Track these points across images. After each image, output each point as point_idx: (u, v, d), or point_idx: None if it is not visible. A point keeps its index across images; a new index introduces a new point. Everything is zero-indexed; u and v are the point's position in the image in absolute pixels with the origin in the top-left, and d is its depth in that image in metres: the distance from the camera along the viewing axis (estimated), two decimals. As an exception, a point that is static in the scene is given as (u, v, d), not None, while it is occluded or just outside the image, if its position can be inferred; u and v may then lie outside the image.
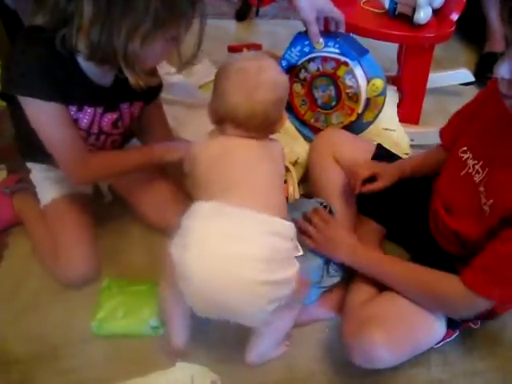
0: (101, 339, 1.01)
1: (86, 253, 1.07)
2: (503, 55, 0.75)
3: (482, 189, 0.87)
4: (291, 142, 1.32)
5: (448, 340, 0.97)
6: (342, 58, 1.21)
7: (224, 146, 0.88)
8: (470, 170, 0.91)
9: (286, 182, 1.14)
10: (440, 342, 0.95)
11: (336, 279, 1.04)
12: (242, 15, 2.05)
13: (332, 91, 1.27)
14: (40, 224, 1.13)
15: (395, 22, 1.36)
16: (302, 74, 1.28)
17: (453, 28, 1.34)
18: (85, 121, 1.00)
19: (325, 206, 1.09)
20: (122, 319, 1.01)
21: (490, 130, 0.89)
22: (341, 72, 1.23)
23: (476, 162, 0.90)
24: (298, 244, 0.89)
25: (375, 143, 1.22)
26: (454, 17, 1.33)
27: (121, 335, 1.01)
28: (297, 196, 1.15)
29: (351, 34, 1.32)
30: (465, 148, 0.94)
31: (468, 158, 0.92)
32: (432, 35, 1.34)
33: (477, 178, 0.89)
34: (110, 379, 0.94)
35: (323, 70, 1.24)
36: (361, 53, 1.23)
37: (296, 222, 0.98)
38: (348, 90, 1.24)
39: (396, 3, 1.34)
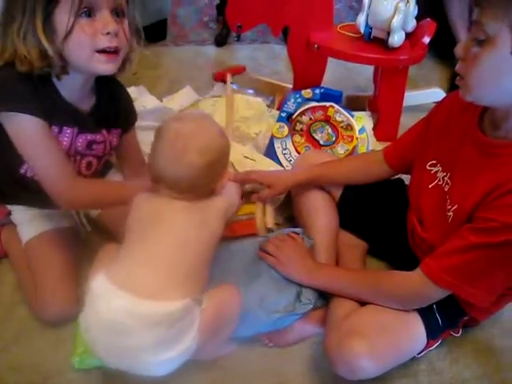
0: (91, 368, 1.00)
1: (63, 295, 1.03)
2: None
3: (447, 197, 0.91)
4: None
5: (430, 349, 1.00)
6: (327, 104, 1.50)
7: (152, 208, 0.88)
8: (440, 182, 0.95)
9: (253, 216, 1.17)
10: (422, 351, 0.98)
11: (308, 307, 1.04)
12: (221, 41, 2.10)
13: (329, 129, 1.47)
14: (23, 260, 1.11)
15: (371, 45, 1.42)
16: (298, 126, 1.48)
17: (425, 50, 1.40)
18: (64, 143, 0.99)
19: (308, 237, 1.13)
20: None
21: (454, 142, 0.93)
22: (330, 113, 1.49)
23: (445, 174, 0.94)
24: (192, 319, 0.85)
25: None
26: (426, 40, 1.39)
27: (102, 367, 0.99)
28: (270, 225, 1.18)
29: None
30: (434, 161, 0.97)
31: (438, 171, 0.96)
32: (406, 57, 1.40)
33: (446, 188, 0.93)
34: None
35: (315, 118, 1.49)
36: (339, 96, 1.56)
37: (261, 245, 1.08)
38: (341, 124, 1.49)
39: (371, 28, 1.40)
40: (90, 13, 0.85)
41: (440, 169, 0.97)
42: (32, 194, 1.01)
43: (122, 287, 0.80)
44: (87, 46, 0.87)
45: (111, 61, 0.90)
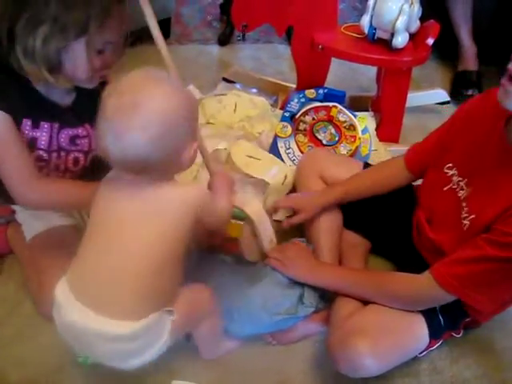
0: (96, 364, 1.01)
1: None
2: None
3: (464, 204, 0.92)
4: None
5: (432, 349, 1.01)
6: (330, 104, 1.50)
7: (106, 198, 0.80)
8: (455, 187, 0.95)
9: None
10: (424, 351, 0.99)
11: (310, 310, 1.05)
12: (224, 40, 2.10)
13: (331, 129, 1.47)
14: (27, 257, 1.12)
15: (374, 46, 1.42)
16: (302, 126, 1.48)
17: (429, 51, 1.41)
18: (43, 138, 0.99)
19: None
20: None
21: (476, 148, 0.93)
22: (333, 113, 1.49)
23: (461, 179, 0.94)
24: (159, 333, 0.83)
25: (361, 162, 1.27)
26: (430, 41, 1.39)
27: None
28: (272, 245, 1.12)
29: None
30: (450, 165, 0.97)
31: (453, 174, 0.96)
32: (409, 59, 1.40)
33: (461, 195, 0.93)
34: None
35: (318, 118, 1.49)
36: (342, 96, 1.55)
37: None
38: (344, 124, 1.49)
39: (375, 29, 1.40)
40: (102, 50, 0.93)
41: (456, 173, 0.97)
42: None
43: (79, 298, 0.79)
44: (89, 71, 0.94)
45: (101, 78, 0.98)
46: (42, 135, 0.99)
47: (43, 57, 0.88)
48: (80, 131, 1.04)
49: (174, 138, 0.74)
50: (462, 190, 0.93)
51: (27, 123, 0.96)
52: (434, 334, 0.97)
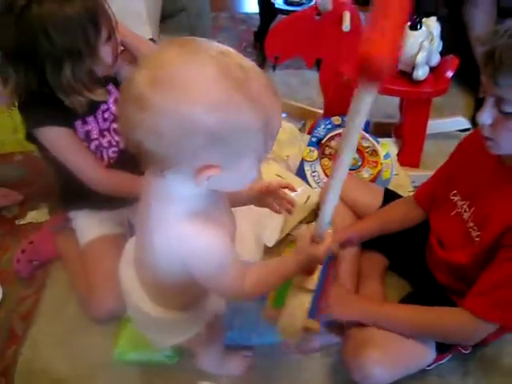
0: (132, 362, 1.13)
1: (115, 292, 1.04)
2: (482, 104, 0.87)
3: (471, 224, 1.00)
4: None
5: (440, 363, 1.08)
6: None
7: (142, 198, 0.74)
8: (459, 210, 1.04)
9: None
10: (432, 364, 1.06)
11: None
12: (258, 66, 2.23)
13: (355, 155, 1.53)
14: (78, 263, 1.25)
15: (397, 78, 1.51)
16: (327, 151, 1.58)
17: (448, 84, 1.49)
18: (94, 129, 1.15)
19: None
20: (140, 348, 1.11)
21: (475, 172, 1.01)
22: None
23: (464, 202, 1.03)
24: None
25: (382, 187, 1.36)
26: (449, 74, 1.48)
27: (141, 361, 1.12)
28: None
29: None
30: (455, 191, 1.06)
31: (458, 200, 1.05)
32: (429, 90, 1.49)
33: (465, 216, 1.02)
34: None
35: (343, 144, 1.55)
36: (366, 123, 1.61)
37: None
38: (367, 150, 1.58)
39: (397, 62, 1.50)
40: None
41: (460, 198, 1.06)
42: (96, 196, 1.15)
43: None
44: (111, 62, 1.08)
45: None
46: (92, 127, 1.15)
47: (81, 84, 1.02)
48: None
49: (199, 139, 0.56)
50: (466, 212, 1.02)
51: (78, 124, 1.13)
52: (442, 349, 1.04)
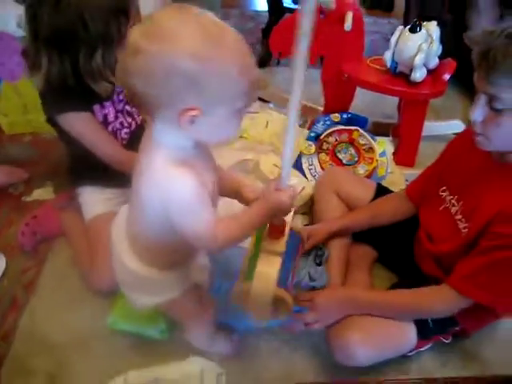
0: (125, 333, 1.18)
1: None
2: (474, 101, 0.90)
3: (459, 217, 1.05)
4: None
5: (421, 349, 1.13)
6: (353, 127, 1.65)
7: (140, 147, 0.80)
8: (447, 205, 1.09)
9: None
10: (413, 350, 1.11)
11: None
12: (263, 62, 2.29)
13: (352, 151, 1.64)
14: (81, 239, 1.32)
15: (395, 79, 1.57)
16: (325, 146, 1.65)
17: (445, 86, 1.54)
18: (110, 111, 1.23)
19: (320, 248, 1.27)
20: (135, 319, 1.16)
21: (463, 168, 1.07)
22: (355, 136, 1.65)
23: (452, 196, 1.08)
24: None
25: (375, 182, 1.42)
26: (446, 77, 1.53)
27: (132, 333, 1.17)
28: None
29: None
30: (444, 188, 1.12)
31: (446, 195, 1.10)
32: (426, 92, 1.54)
33: (453, 210, 1.07)
34: (132, 367, 1.10)
35: (340, 140, 1.66)
36: (364, 121, 1.70)
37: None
38: (364, 147, 1.64)
39: (396, 63, 1.55)
40: None
41: (448, 193, 1.11)
42: (109, 173, 1.22)
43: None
44: None
45: None
46: (109, 110, 1.23)
47: (109, 70, 1.09)
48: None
49: (181, 83, 0.64)
50: (454, 206, 1.07)
51: (97, 108, 1.20)
52: (423, 334, 1.09)
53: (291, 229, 0.95)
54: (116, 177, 1.19)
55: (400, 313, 1.08)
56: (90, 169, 1.24)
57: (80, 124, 1.17)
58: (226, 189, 0.95)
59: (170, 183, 0.72)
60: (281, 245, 0.89)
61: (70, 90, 1.10)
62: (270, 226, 0.90)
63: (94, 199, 1.31)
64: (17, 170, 1.62)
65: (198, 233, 0.78)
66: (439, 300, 1.03)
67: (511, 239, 0.91)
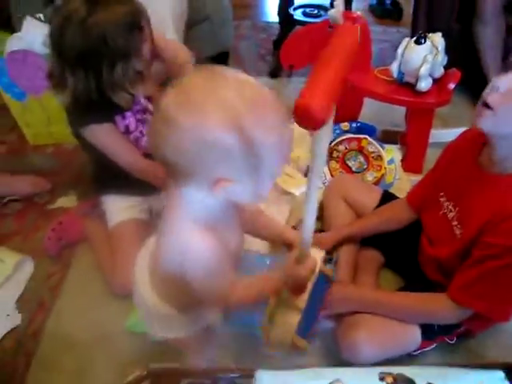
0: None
1: None
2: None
3: (455, 223, 1.10)
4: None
5: (425, 349, 1.17)
6: (362, 136, 1.72)
7: None
8: (445, 210, 1.14)
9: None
10: (417, 349, 1.16)
11: None
12: (275, 73, 2.36)
13: (361, 158, 1.70)
14: (104, 244, 1.40)
15: (402, 88, 1.63)
16: (335, 154, 1.72)
17: (450, 95, 1.59)
18: (132, 122, 1.30)
19: (329, 252, 1.31)
20: None
21: (459, 176, 1.12)
22: (364, 144, 1.71)
23: (449, 202, 1.14)
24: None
25: (381, 189, 1.47)
26: (451, 86, 1.58)
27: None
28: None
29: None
30: (442, 193, 1.17)
31: (444, 200, 1.16)
32: (432, 101, 1.59)
33: (450, 216, 1.12)
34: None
35: (350, 148, 1.72)
36: (373, 130, 1.77)
37: None
38: (372, 155, 1.70)
39: (403, 73, 1.61)
40: None
41: (446, 199, 1.16)
42: (131, 181, 1.30)
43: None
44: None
45: None
46: (130, 121, 1.29)
47: (129, 81, 1.17)
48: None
49: (212, 158, 0.65)
50: (451, 211, 1.12)
51: (119, 119, 1.28)
52: (427, 335, 1.14)
53: (321, 272, 1.01)
54: (138, 185, 1.27)
55: (404, 315, 1.13)
56: (113, 177, 1.31)
57: (103, 135, 1.25)
58: (267, 233, 1.00)
59: (189, 245, 0.73)
60: (301, 301, 0.96)
61: (93, 103, 1.18)
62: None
63: (117, 207, 1.39)
64: (40, 179, 1.70)
65: (213, 294, 0.82)
66: (442, 308, 1.08)
67: (500, 249, 0.96)
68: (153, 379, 0.64)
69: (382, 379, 0.61)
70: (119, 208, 1.38)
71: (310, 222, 0.85)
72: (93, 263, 1.43)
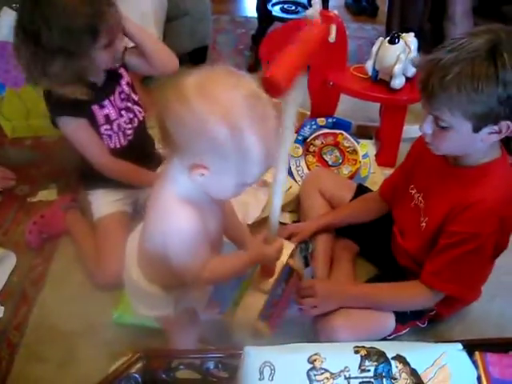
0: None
1: (120, 262, 1.09)
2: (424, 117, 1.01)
3: (422, 213, 1.17)
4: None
5: (399, 334, 1.23)
6: (338, 131, 1.77)
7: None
8: (416, 202, 1.21)
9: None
10: (391, 334, 1.22)
11: None
12: (253, 68, 2.39)
13: (337, 153, 1.75)
14: (87, 236, 1.42)
15: (376, 86, 1.69)
16: (312, 148, 1.76)
17: (422, 93, 1.66)
18: (111, 111, 1.30)
19: (306, 242, 1.38)
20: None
21: (427, 168, 1.18)
22: (340, 139, 1.77)
23: (419, 194, 1.20)
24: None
25: (355, 183, 1.53)
26: (423, 84, 1.65)
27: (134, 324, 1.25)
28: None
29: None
30: (412, 186, 1.23)
31: (415, 192, 1.22)
32: (405, 98, 1.66)
33: (421, 206, 1.18)
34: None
35: (326, 143, 1.77)
36: (348, 125, 1.82)
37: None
38: (348, 149, 1.76)
39: (377, 71, 1.67)
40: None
41: (415, 190, 1.22)
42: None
43: None
44: (104, 66, 1.23)
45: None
46: (110, 110, 1.30)
47: (70, 77, 1.15)
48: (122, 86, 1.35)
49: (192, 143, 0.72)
50: (421, 203, 1.18)
51: (96, 109, 1.28)
52: (401, 319, 1.20)
53: (288, 264, 1.05)
54: (121, 181, 1.29)
55: (385, 306, 1.20)
56: (98, 174, 1.33)
57: (73, 129, 1.26)
58: (233, 235, 1.06)
59: (171, 216, 0.80)
60: (268, 285, 1.00)
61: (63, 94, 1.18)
62: (262, 266, 1.01)
63: (103, 200, 1.41)
64: (5, 171, 1.68)
65: (187, 267, 0.86)
66: (417, 295, 1.15)
67: (463, 236, 1.03)
68: (145, 361, 0.68)
69: (356, 352, 0.67)
70: (106, 201, 1.40)
71: (277, 202, 0.88)
72: (75, 256, 1.45)
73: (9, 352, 1.23)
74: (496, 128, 0.95)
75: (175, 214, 0.79)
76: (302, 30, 0.82)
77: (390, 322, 1.20)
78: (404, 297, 1.18)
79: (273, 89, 0.64)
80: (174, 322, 1.07)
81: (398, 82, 1.62)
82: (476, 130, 0.95)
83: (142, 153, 1.40)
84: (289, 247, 1.06)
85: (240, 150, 0.71)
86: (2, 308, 1.32)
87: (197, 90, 0.70)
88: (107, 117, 1.31)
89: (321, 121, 1.81)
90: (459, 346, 0.71)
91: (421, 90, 0.98)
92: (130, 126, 1.37)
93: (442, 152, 1.06)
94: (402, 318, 1.21)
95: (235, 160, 0.72)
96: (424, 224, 1.15)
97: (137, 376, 0.72)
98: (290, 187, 1.58)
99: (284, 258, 1.01)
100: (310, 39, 0.87)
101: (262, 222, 1.51)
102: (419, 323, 1.26)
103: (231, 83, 0.71)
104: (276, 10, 2.37)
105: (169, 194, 0.81)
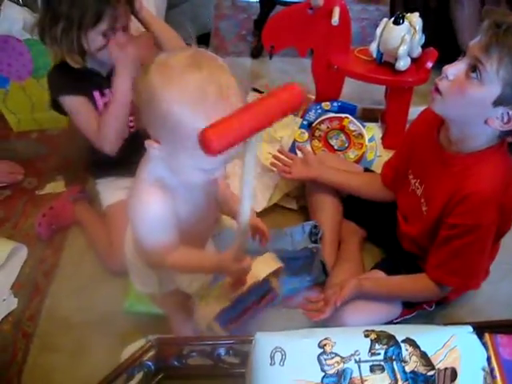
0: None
1: None
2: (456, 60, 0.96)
3: (422, 200, 1.16)
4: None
5: (406, 317, 1.24)
6: (343, 115, 1.73)
7: None
8: (413, 188, 1.20)
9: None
10: (398, 317, 1.22)
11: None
12: (256, 53, 2.37)
13: (343, 137, 1.73)
14: (97, 225, 1.44)
15: (381, 68, 1.67)
16: (317, 133, 1.73)
17: (428, 74, 1.64)
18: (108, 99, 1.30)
19: (315, 227, 1.37)
20: (146, 302, 1.23)
21: (422, 154, 1.17)
22: (345, 123, 1.73)
23: (416, 180, 1.19)
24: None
25: (361, 167, 1.53)
26: (429, 65, 1.63)
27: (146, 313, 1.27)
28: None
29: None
30: (410, 171, 1.23)
31: (412, 178, 1.21)
32: (410, 80, 1.64)
33: (418, 192, 1.18)
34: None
35: (332, 127, 1.73)
36: (354, 109, 1.79)
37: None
38: (354, 133, 1.72)
39: (382, 53, 1.65)
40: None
41: (413, 176, 1.22)
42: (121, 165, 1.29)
43: None
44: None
45: None
46: (110, 98, 1.29)
47: (67, 44, 1.17)
48: None
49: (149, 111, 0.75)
50: (418, 188, 1.18)
51: (97, 95, 1.29)
52: (407, 304, 1.21)
53: (266, 280, 1.01)
54: (129, 168, 1.29)
55: (398, 298, 1.21)
56: (106, 161, 1.33)
57: (76, 106, 1.26)
58: (228, 209, 1.04)
59: (136, 199, 0.82)
60: (235, 293, 0.97)
61: (69, 73, 1.21)
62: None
63: (112, 188, 1.42)
64: (15, 165, 1.70)
65: (150, 250, 0.88)
66: (426, 290, 1.16)
67: (461, 228, 1.03)
68: (157, 349, 0.69)
69: (366, 336, 0.67)
70: (114, 189, 1.41)
71: (246, 215, 0.77)
72: (85, 246, 1.47)
73: (25, 342, 1.25)
74: (507, 114, 0.93)
75: (140, 196, 0.82)
76: (274, 91, 0.65)
77: (397, 306, 1.21)
78: (414, 291, 1.19)
79: (204, 149, 0.58)
80: (163, 303, 1.11)
81: (403, 64, 1.60)
82: (497, 103, 0.91)
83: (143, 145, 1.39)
84: (272, 265, 1.02)
85: (184, 125, 0.70)
86: (16, 299, 1.34)
87: (158, 66, 0.73)
88: (106, 105, 1.30)
89: (326, 105, 1.80)
90: (469, 328, 0.72)
91: (485, 31, 0.90)
92: (131, 117, 1.36)
93: (440, 108, 1.02)
94: (409, 302, 1.22)
95: (179, 137, 0.73)
96: (425, 208, 1.15)
97: (149, 363, 0.73)
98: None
99: (262, 274, 0.98)
100: (274, 105, 0.64)
101: (268, 210, 1.52)
102: (426, 306, 1.26)
103: (191, 64, 0.72)
104: (278, -6, 2.33)
105: (142, 175, 0.83)
